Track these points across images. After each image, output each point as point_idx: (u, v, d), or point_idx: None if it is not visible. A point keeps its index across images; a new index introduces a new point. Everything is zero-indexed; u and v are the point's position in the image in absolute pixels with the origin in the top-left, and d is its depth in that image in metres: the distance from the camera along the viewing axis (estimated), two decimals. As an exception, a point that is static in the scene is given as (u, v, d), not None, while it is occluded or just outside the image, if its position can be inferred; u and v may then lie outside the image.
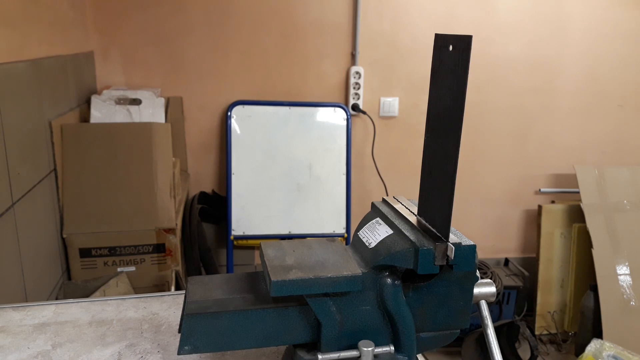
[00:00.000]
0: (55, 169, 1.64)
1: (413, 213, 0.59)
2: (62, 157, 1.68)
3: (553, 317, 2.47)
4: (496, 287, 0.60)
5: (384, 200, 0.65)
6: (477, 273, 0.57)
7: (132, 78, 2.25)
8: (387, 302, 0.55)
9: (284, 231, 2.32)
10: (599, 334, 2.17)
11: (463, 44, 0.46)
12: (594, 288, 2.25)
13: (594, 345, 1.22)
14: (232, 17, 2.25)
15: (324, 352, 0.55)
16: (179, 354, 0.54)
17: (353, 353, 0.55)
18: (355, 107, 2.39)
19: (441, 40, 0.49)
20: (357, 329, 0.56)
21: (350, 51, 2.35)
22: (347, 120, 2.35)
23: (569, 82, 2.50)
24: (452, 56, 0.47)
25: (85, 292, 1.61)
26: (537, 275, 2.47)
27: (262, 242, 0.60)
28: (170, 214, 1.76)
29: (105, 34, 2.19)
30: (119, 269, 1.73)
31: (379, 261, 0.54)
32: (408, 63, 2.34)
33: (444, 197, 0.51)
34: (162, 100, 2.03)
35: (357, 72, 2.35)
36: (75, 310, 0.80)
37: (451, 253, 0.50)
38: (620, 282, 2.25)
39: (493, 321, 0.59)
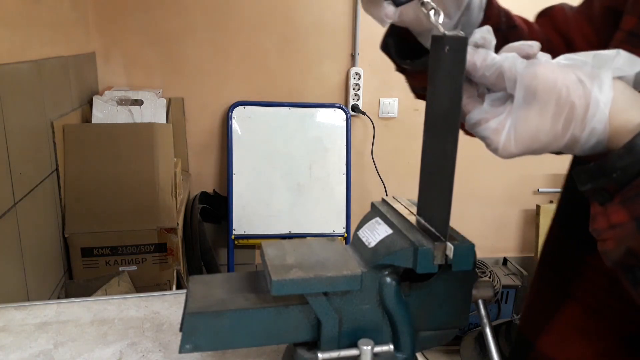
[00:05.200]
0: (57, 169, 1.65)
1: (412, 213, 0.59)
2: (64, 157, 1.68)
3: (553, 317, 2.47)
4: (495, 287, 0.60)
5: (383, 200, 0.65)
6: (476, 272, 0.58)
7: (134, 79, 2.26)
8: (387, 301, 0.55)
9: (284, 231, 2.33)
10: (598, 334, 2.18)
11: (459, 45, 0.47)
12: (594, 288, 2.25)
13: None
14: (233, 19, 2.26)
15: (324, 350, 0.55)
16: (180, 352, 0.54)
17: (353, 352, 0.55)
18: (355, 108, 2.40)
19: (437, 42, 0.50)
20: (357, 328, 0.56)
21: (350, 52, 2.35)
22: (347, 120, 2.36)
23: (569, 82, 2.50)
24: (448, 57, 0.48)
25: (86, 291, 1.61)
26: (537, 275, 2.47)
27: (263, 242, 0.60)
28: (172, 214, 1.76)
29: (107, 35, 2.20)
30: (120, 269, 1.73)
31: (378, 260, 0.54)
32: (408, 63, 2.34)
33: (442, 197, 0.51)
34: (163, 101, 2.04)
35: (357, 73, 2.36)
36: (76, 309, 0.81)
37: (450, 252, 0.51)
38: (619, 282, 2.25)
39: (492, 320, 0.60)
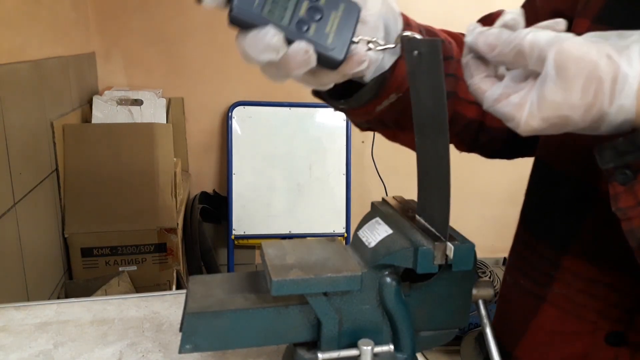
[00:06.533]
0: (57, 169, 1.65)
1: (412, 213, 0.59)
2: (64, 157, 1.68)
3: (553, 317, 2.47)
4: (495, 287, 0.60)
5: (383, 200, 0.65)
6: (476, 272, 0.58)
7: (134, 79, 2.26)
8: (387, 301, 0.55)
9: (284, 231, 2.33)
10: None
11: (433, 48, 0.46)
12: (594, 288, 2.24)
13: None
14: (232, 18, 2.26)
15: (324, 350, 0.55)
16: (180, 352, 0.54)
17: (353, 352, 0.55)
18: (355, 108, 2.39)
19: (410, 45, 0.48)
20: (357, 328, 0.56)
21: (351, 52, 2.35)
22: (347, 120, 2.36)
23: (569, 82, 2.50)
24: (424, 60, 0.47)
25: (86, 291, 1.61)
26: (537, 275, 2.47)
27: (263, 242, 0.60)
28: (172, 214, 1.77)
29: (107, 35, 2.20)
30: (120, 269, 1.74)
31: (378, 260, 0.54)
32: (408, 63, 2.33)
33: (441, 197, 0.51)
34: (163, 101, 2.04)
35: (358, 73, 2.36)
36: (76, 309, 0.81)
37: (450, 252, 0.51)
38: (619, 282, 2.25)
39: (491, 320, 0.60)
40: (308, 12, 0.47)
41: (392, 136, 0.68)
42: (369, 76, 0.54)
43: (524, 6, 0.69)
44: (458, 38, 0.66)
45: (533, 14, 0.65)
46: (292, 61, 0.47)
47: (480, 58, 0.46)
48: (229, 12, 0.45)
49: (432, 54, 0.46)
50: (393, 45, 0.51)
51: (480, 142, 0.70)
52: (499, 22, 0.46)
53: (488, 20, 0.70)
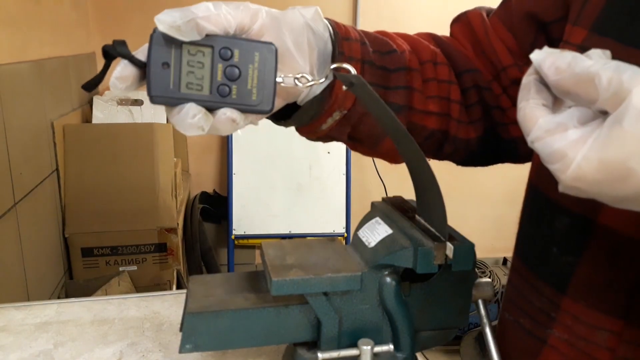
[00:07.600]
0: (57, 169, 1.65)
1: (412, 213, 0.59)
2: (64, 157, 1.68)
3: (553, 317, 2.47)
4: (495, 287, 0.60)
5: (383, 200, 0.65)
6: (476, 272, 0.58)
7: (134, 78, 2.26)
8: (387, 301, 0.55)
9: (284, 231, 2.33)
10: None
11: (359, 81, 0.46)
12: (594, 288, 2.24)
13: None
14: (232, 18, 2.26)
15: (323, 350, 0.55)
16: (180, 352, 0.54)
17: (353, 352, 0.55)
18: (355, 108, 2.40)
19: (341, 79, 0.49)
20: (357, 328, 0.56)
21: (351, 52, 2.35)
22: (348, 120, 2.36)
23: (569, 82, 2.50)
24: (358, 89, 0.47)
25: (87, 291, 1.62)
26: (537, 275, 2.47)
27: (263, 242, 0.60)
28: (172, 214, 1.77)
29: (107, 35, 2.20)
30: (120, 269, 1.74)
31: (378, 260, 0.54)
32: (408, 63, 2.33)
33: (434, 197, 0.51)
34: (163, 101, 2.03)
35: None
36: (77, 309, 0.81)
37: (450, 252, 0.51)
38: (619, 282, 2.25)
39: (492, 320, 0.60)
40: (225, 75, 0.46)
41: (352, 147, 0.67)
42: (301, 101, 0.53)
43: (501, 6, 0.66)
44: (415, 43, 0.63)
45: (508, 15, 0.63)
46: (221, 129, 0.46)
47: (545, 84, 0.38)
48: (148, 95, 0.45)
49: (362, 85, 0.46)
50: (322, 81, 0.49)
51: (445, 152, 0.67)
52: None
53: (461, 20, 0.68)
